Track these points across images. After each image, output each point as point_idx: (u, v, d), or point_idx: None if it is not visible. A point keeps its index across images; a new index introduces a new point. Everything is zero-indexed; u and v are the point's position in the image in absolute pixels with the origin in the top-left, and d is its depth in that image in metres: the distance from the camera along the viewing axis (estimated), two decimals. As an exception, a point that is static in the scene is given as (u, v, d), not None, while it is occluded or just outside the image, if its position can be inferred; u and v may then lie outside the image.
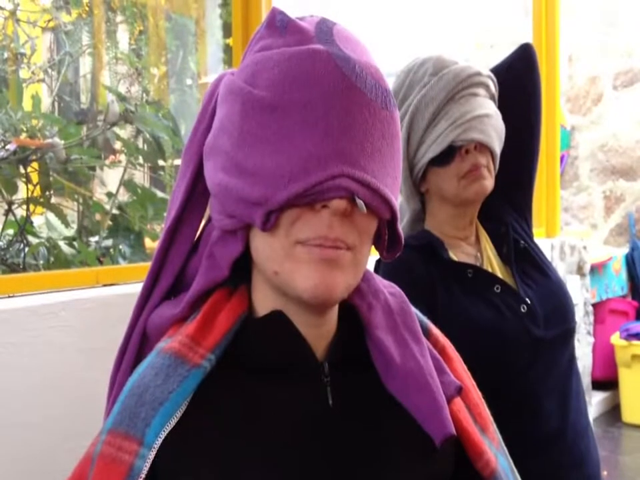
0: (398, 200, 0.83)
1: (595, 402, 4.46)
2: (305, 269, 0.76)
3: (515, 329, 1.33)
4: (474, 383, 0.95)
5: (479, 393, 0.95)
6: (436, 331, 0.95)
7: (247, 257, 0.83)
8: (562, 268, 3.44)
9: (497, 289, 1.38)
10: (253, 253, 0.81)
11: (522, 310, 1.36)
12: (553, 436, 1.35)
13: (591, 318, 3.87)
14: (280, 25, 0.81)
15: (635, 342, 4.51)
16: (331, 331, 0.86)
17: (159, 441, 0.75)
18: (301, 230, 0.76)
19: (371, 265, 1.12)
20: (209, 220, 0.87)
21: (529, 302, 1.37)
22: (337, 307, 0.86)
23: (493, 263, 1.45)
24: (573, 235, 3.89)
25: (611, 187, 5.34)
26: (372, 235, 0.82)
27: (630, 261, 5.16)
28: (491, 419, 0.94)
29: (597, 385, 4.57)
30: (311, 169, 0.74)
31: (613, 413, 4.63)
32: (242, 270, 0.85)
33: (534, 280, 1.43)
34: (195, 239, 0.89)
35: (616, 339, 4.60)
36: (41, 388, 1.37)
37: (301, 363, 0.82)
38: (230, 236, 0.83)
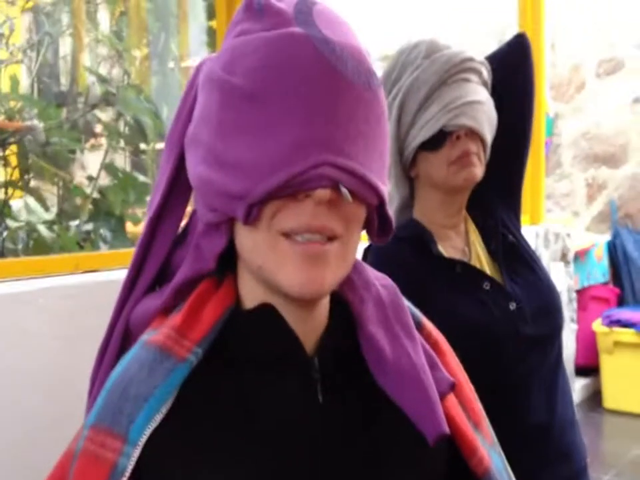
0: (386, 182, 0.80)
1: (576, 388, 4.49)
2: (289, 266, 0.74)
3: (504, 326, 1.32)
4: (467, 378, 0.93)
5: (472, 387, 0.93)
6: (429, 324, 0.93)
7: (233, 247, 0.80)
8: (546, 255, 3.44)
9: (486, 286, 1.36)
10: (238, 247, 0.79)
11: (510, 308, 1.35)
12: (540, 430, 1.34)
13: (575, 305, 3.89)
14: (257, 7, 0.77)
15: (616, 329, 4.54)
16: (321, 324, 0.83)
17: (144, 438, 0.72)
18: (283, 220, 0.73)
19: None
20: (195, 211, 0.84)
21: (517, 300, 1.36)
22: (327, 299, 0.83)
23: (482, 259, 1.43)
24: (555, 222, 3.89)
25: (593, 174, 5.36)
26: (360, 224, 0.79)
27: (612, 248, 5.19)
28: (484, 414, 0.92)
29: (579, 371, 4.60)
30: (291, 158, 0.71)
31: (594, 398, 4.67)
32: (229, 260, 0.82)
33: (522, 276, 1.42)
34: (181, 228, 0.86)
35: (598, 325, 4.63)
36: (18, 377, 1.35)
37: (291, 358, 0.79)
38: (214, 229, 0.80)
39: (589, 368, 4.73)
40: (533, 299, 1.38)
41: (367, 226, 0.82)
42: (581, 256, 4.59)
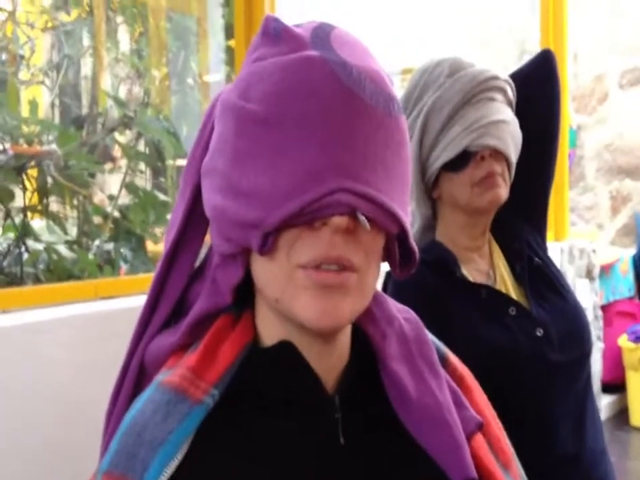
0: (409, 212, 0.77)
1: (602, 405, 4.41)
2: (305, 297, 0.71)
3: (530, 353, 1.29)
4: (494, 414, 0.89)
5: (500, 424, 0.89)
6: (454, 359, 0.89)
7: (250, 281, 0.78)
8: (571, 271, 3.39)
9: (512, 311, 1.32)
10: (254, 279, 0.76)
11: (537, 333, 1.31)
12: (569, 461, 1.30)
13: (600, 323, 3.83)
14: (274, 32, 0.75)
15: (642, 344, 4.47)
16: (342, 360, 0.80)
17: None
18: (300, 251, 0.71)
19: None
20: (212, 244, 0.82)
21: (544, 325, 1.32)
22: (348, 333, 0.80)
23: (507, 282, 1.40)
24: (578, 236, 3.84)
25: (617, 186, 5.29)
26: (380, 253, 0.76)
27: (637, 262, 5.11)
28: (513, 453, 0.88)
29: (604, 387, 4.52)
30: (306, 185, 0.68)
31: (620, 416, 4.58)
32: (246, 295, 0.79)
33: (549, 301, 1.38)
34: (198, 262, 0.84)
35: (623, 341, 4.55)
36: (37, 408, 1.33)
37: (311, 398, 0.76)
38: (230, 261, 0.77)
39: (615, 385, 4.65)
40: (560, 324, 1.34)
41: (388, 257, 0.79)
42: (606, 270, 4.53)
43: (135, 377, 0.83)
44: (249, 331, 0.79)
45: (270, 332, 0.78)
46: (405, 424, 0.78)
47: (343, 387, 0.78)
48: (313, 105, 0.69)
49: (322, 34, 0.75)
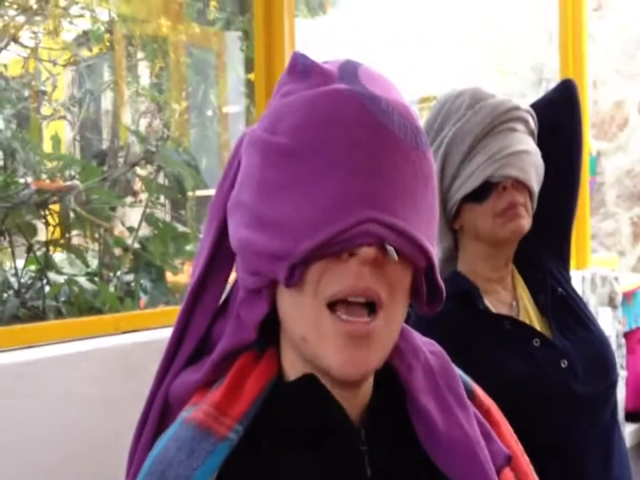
0: (435, 247, 0.77)
1: (626, 434, 4.34)
2: (331, 344, 0.71)
3: (556, 385, 1.27)
4: (522, 449, 0.88)
5: (527, 460, 0.88)
6: (480, 392, 0.88)
7: (275, 318, 0.77)
8: (593, 300, 3.35)
9: (536, 342, 1.31)
10: (280, 314, 0.76)
11: (562, 365, 1.29)
12: None
13: (624, 351, 3.77)
14: (302, 68, 0.76)
15: (666, 371, 4.40)
16: (367, 394, 0.79)
17: None
18: (329, 285, 0.70)
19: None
20: (237, 280, 0.82)
21: (568, 356, 1.30)
22: None
23: (530, 313, 1.38)
24: (600, 264, 3.80)
25: (638, 212, 5.25)
26: (407, 290, 0.75)
27: (659, 288, 5.06)
28: None
29: (628, 416, 4.45)
30: (335, 215, 0.68)
31: (644, 445, 4.51)
32: (270, 331, 0.79)
33: (573, 332, 1.36)
34: (222, 300, 0.84)
35: (646, 368, 4.49)
36: (62, 442, 1.33)
37: (336, 431, 0.75)
38: (255, 295, 0.77)
39: (639, 413, 4.58)
40: (585, 355, 1.33)
41: (415, 294, 0.79)
42: (628, 298, 4.47)
43: (159, 413, 0.83)
44: (273, 367, 0.78)
45: (294, 368, 0.78)
46: (432, 457, 0.77)
47: (368, 420, 0.78)
48: (341, 135, 0.70)
49: (350, 68, 0.75)
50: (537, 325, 1.37)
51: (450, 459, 0.76)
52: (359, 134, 0.70)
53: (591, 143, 5.02)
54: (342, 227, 0.68)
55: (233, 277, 0.83)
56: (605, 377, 1.34)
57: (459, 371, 0.87)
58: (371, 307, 0.72)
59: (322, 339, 0.71)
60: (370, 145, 0.70)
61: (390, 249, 0.69)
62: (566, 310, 1.39)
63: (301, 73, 0.76)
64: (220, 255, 0.82)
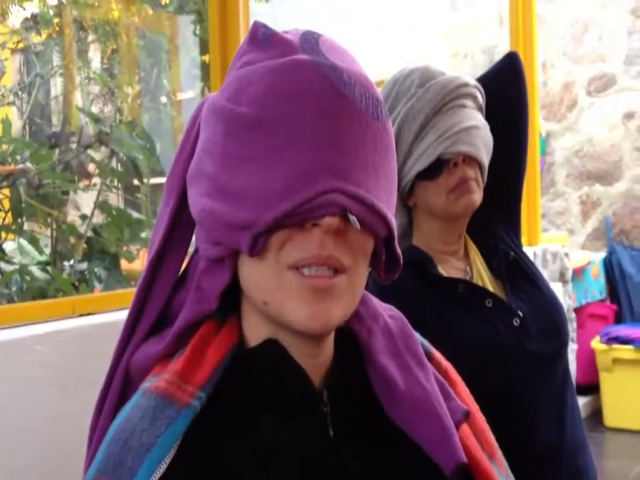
0: (394, 215, 0.79)
1: (578, 408, 4.44)
2: (295, 300, 0.72)
3: (509, 343, 1.30)
4: (477, 407, 0.90)
5: (483, 418, 0.90)
6: (437, 354, 0.91)
7: (235, 287, 0.78)
8: (544, 275, 3.42)
9: (489, 303, 1.34)
10: (242, 282, 0.76)
11: (514, 323, 1.33)
12: (550, 453, 1.31)
13: (574, 325, 3.86)
14: (263, 38, 0.76)
15: (615, 346, 4.52)
16: (328, 358, 0.81)
17: None
18: (291, 252, 0.71)
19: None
20: (196, 250, 0.82)
21: (521, 315, 1.34)
22: (333, 333, 0.81)
23: (484, 277, 1.42)
24: (550, 241, 3.88)
25: (587, 191, 5.36)
26: (368, 255, 0.77)
27: (608, 265, 5.18)
28: (497, 445, 0.90)
29: (579, 389, 4.54)
30: (299, 185, 0.69)
31: (594, 417, 4.63)
32: (231, 301, 0.80)
33: (526, 292, 1.40)
34: (181, 271, 0.84)
35: (596, 343, 4.60)
36: (18, 428, 1.32)
37: (298, 393, 0.77)
38: (217, 265, 0.77)
39: (589, 386, 4.70)
40: (538, 314, 1.37)
41: (374, 262, 0.80)
42: (578, 274, 4.58)
43: (119, 386, 0.83)
44: (234, 334, 0.79)
45: (256, 334, 0.78)
46: (393, 416, 0.79)
47: (330, 383, 0.79)
48: (304, 106, 0.70)
49: (311, 39, 0.76)
50: (491, 287, 1.40)
51: (410, 416, 0.78)
52: (321, 105, 0.70)
53: (540, 124, 5.10)
54: (306, 196, 0.69)
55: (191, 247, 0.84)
56: (557, 335, 1.38)
57: (417, 334, 0.89)
58: (334, 272, 0.73)
59: (286, 296, 0.72)
60: (333, 117, 0.70)
61: (353, 218, 0.71)
62: (518, 273, 1.43)
63: (262, 43, 0.76)
64: (179, 226, 0.82)
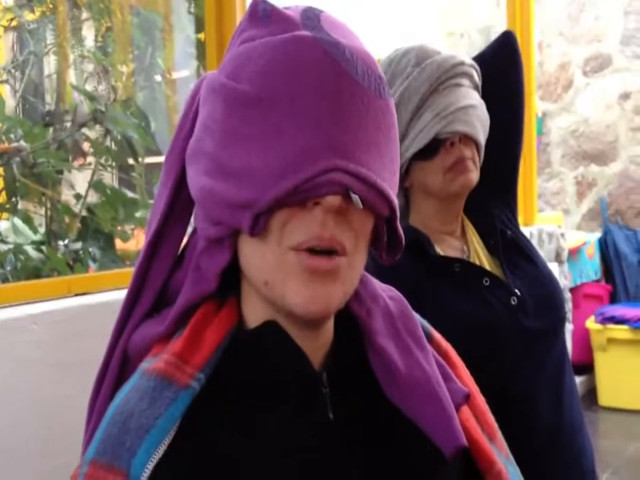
0: (396, 194, 0.78)
1: (572, 386, 4.47)
2: (295, 282, 0.71)
3: (506, 321, 1.31)
4: (478, 389, 0.91)
5: (483, 399, 0.90)
6: (437, 335, 0.90)
7: (235, 267, 0.77)
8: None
9: (486, 281, 1.34)
10: (242, 262, 0.76)
11: (512, 302, 1.33)
12: (549, 432, 1.32)
13: (570, 305, 3.88)
14: (263, 14, 0.75)
15: (609, 325, 4.55)
16: (328, 339, 0.80)
17: (147, 472, 0.69)
18: (292, 233, 0.70)
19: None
20: (194, 231, 0.81)
21: (518, 293, 1.34)
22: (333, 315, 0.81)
23: (480, 256, 1.42)
24: (546, 222, 3.88)
25: (583, 172, 5.37)
26: (369, 236, 0.76)
27: (603, 245, 5.20)
28: (497, 426, 0.90)
29: (573, 369, 4.58)
30: (300, 164, 0.68)
31: (589, 396, 4.67)
32: (230, 281, 0.79)
33: (522, 269, 1.40)
34: (179, 251, 0.83)
35: (591, 323, 4.63)
36: (13, 408, 1.31)
37: (298, 375, 0.76)
38: (216, 245, 0.76)
39: (584, 366, 4.73)
40: (535, 291, 1.37)
41: (376, 242, 0.80)
42: (573, 254, 4.59)
43: (117, 367, 0.83)
44: (234, 315, 0.79)
45: (255, 315, 0.78)
46: (392, 398, 0.79)
47: (329, 364, 0.79)
48: (306, 84, 0.69)
49: (312, 15, 0.75)
50: (488, 266, 1.40)
51: (410, 398, 0.78)
52: (323, 83, 0.69)
53: (536, 105, 5.08)
54: (307, 175, 0.68)
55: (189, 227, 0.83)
56: (554, 312, 1.38)
57: (417, 315, 0.88)
58: (335, 254, 0.72)
59: (286, 278, 0.71)
60: (335, 94, 0.69)
61: (355, 197, 0.70)
62: (515, 250, 1.43)
63: (263, 19, 0.75)
64: (178, 205, 0.81)
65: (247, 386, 0.76)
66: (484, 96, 1.40)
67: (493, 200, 1.49)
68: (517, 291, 1.34)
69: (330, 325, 0.80)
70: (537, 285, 1.39)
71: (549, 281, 1.42)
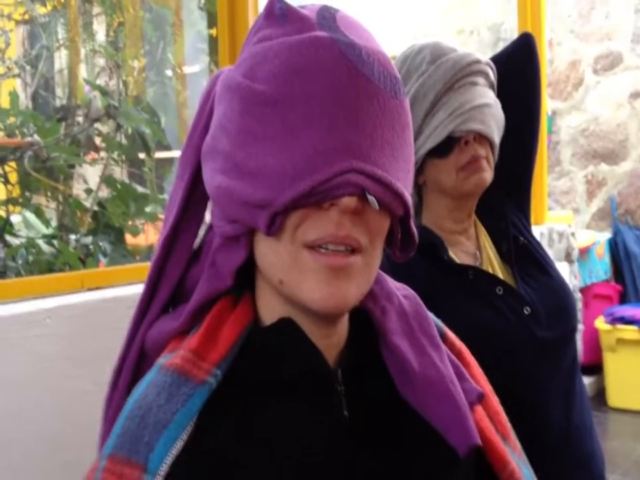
0: (411, 194, 0.78)
1: (581, 387, 4.45)
2: (312, 280, 0.71)
3: (519, 331, 1.30)
4: (492, 389, 0.91)
5: (497, 399, 0.90)
6: (451, 334, 0.91)
7: (251, 263, 0.78)
8: (550, 255, 3.41)
9: (499, 290, 1.34)
10: (258, 260, 0.76)
11: (525, 312, 1.32)
12: (559, 438, 1.32)
13: (580, 305, 3.86)
14: (279, 13, 0.75)
15: (619, 326, 4.53)
16: (343, 338, 0.81)
17: (164, 467, 0.69)
18: (307, 231, 0.71)
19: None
20: (210, 227, 0.82)
21: (531, 303, 1.34)
22: (347, 313, 0.81)
23: (493, 262, 1.41)
24: (555, 221, 3.87)
25: (593, 171, 5.35)
26: (384, 235, 0.77)
27: (613, 245, 5.18)
28: (510, 426, 0.90)
29: (582, 369, 4.56)
30: (317, 165, 0.68)
31: (598, 397, 4.65)
32: (246, 276, 0.80)
33: (535, 278, 1.39)
34: (195, 247, 0.83)
35: (600, 323, 4.61)
36: (27, 402, 1.32)
37: (313, 372, 0.77)
38: (232, 243, 0.77)
39: (593, 366, 4.72)
40: (547, 301, 1.36)
41: (390, 241, 0.80)
42: (582, 254, 4.57)
43: (134, 362, 0.83)
44: (250, 312, 0.79)
45: (271, 313, 0.78)
46: (406, 396, 0.79)
47: (344, 362, 0.79)
48: (322, 84, 0.69)
49: (328, 15, 0.75)
50: (500, 273, 1.39)
51: (424, 397, 0.78)
52: (339, 84, 0.69)
53: (546, 103, 5.07)
54: (324, 176, 0.68)
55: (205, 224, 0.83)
56: (566, 322, 1.38)
57: (431, 315, 0.88)
58: (350, 251, 0.72)
59: (302, 276, 0.72)
60: (350, 95, 0.69)
61: (372, 198, 0.70)
62: (528, 258, 1.42)
63: (279, 18, 0.75)
64: (193, 202, 0.81)
65: (263, 382, 0.76)
66: (500, 96, 1.40)
67: (507, 204, 1.48)
68: (529, 300, 1.34)
69: (345, 323, 0.81)
70: (550, 295, 1.38)
71: (561, 289, 1.41)
